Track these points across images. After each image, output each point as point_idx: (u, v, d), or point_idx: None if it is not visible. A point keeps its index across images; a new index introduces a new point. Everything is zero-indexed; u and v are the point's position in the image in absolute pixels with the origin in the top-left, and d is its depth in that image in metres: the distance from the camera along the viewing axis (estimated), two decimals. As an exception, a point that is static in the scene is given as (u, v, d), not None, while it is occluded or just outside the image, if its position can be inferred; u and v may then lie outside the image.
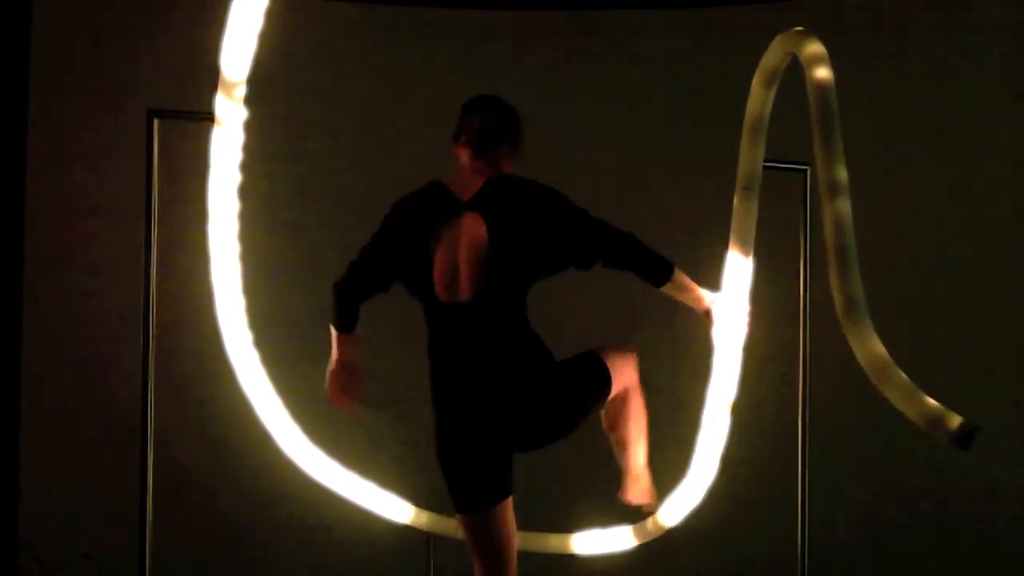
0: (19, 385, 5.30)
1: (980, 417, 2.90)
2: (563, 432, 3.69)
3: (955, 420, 2.73)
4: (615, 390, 3.77)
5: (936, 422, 2.75)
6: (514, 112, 3.74)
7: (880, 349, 2.96)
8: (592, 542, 4.23)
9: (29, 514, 5.37)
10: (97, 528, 5.36)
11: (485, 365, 3.57)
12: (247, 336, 3.99)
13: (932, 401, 2.82)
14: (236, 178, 3.90)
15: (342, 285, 3.70)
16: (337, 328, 3.74)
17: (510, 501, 3.64)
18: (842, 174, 3.22)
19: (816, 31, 3.59)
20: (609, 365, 3.73)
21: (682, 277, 3.69)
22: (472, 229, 3.57)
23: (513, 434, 3.59)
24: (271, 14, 3.86)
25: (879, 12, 5.77)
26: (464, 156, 3.69)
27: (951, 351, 5.74)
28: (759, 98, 3.84)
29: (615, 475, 3.93)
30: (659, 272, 3.66)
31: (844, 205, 3.18)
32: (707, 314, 3.79)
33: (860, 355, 2.99)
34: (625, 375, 3.82)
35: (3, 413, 5.28)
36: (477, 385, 3.56)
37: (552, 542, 4.27)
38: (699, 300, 3.76)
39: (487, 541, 3.61)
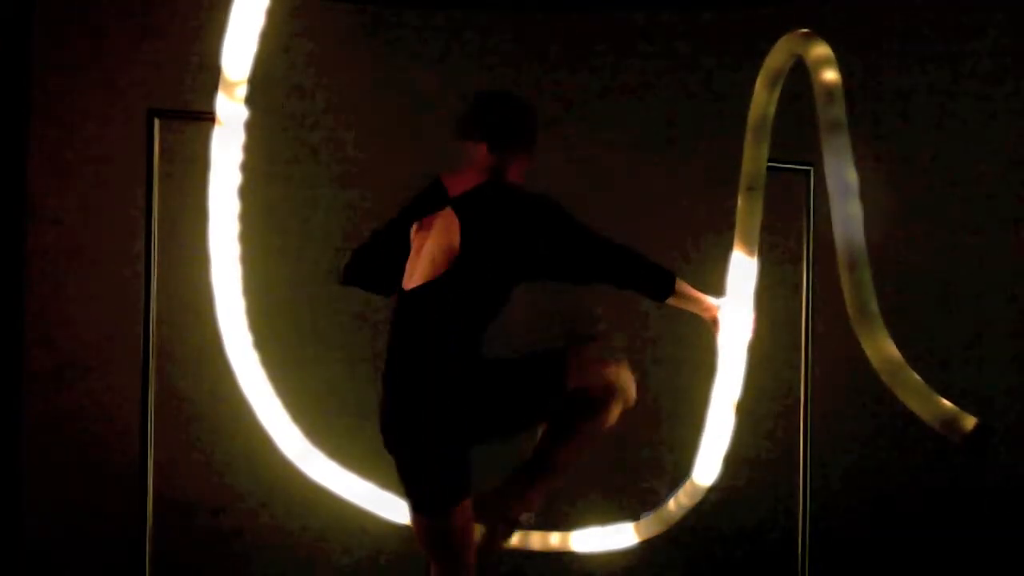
0: (19, 385, 5.28)
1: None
2: (510, 431, 3.55)
3: (969, 421, 2.72)
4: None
5: (950, 423, 2.75)
6: (533, 112, 3.68)
7: (892, 350, 2.96)
8: (592, 540, 4.22)
9: (28, 514, 5.34)
10: (97, 526, 5.33)
11: (406, 356, 3.47)
12: (247, 337, 3.98)
13: (945, 402, 2.82)
14: (236, 178, 3.89)
15: (345, 272, 3.77)
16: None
17: (467, 504, 3.45)
18: (851, 175, 3.22)
19: (820, 31, 3.59)
20: (572, 369, 3.50)
21: (684, 287, 3.65)
22: (443, 226, 3.48)
23: (451, 429, 3.42)
24: (272, 14, 3.85)
25: (880, 13, 5.77)
26: (475, 152, 3.60)
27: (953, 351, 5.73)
28: (763, 99, 3.83)
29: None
30: (662, 288, 3.61)
31: (854, 206, 3.18)
32: (715, 322, 3.76)
33: (872, 357, 2.99)
34: (594, 382, 3.54)
35: (3, 413, 5.27)
36: (399, 375, 3.47)
37: (552, 541, 4.26)
38: (706, 309, 3.73)
39: (443, 544, 3.44)
